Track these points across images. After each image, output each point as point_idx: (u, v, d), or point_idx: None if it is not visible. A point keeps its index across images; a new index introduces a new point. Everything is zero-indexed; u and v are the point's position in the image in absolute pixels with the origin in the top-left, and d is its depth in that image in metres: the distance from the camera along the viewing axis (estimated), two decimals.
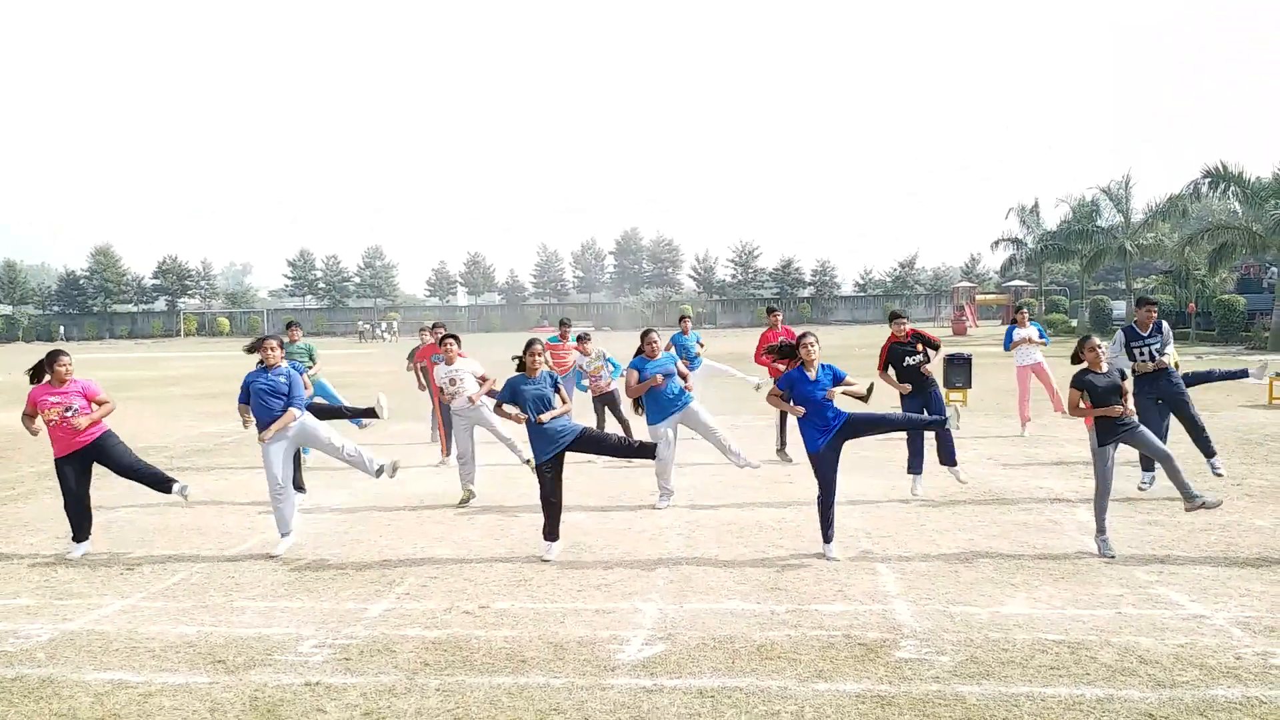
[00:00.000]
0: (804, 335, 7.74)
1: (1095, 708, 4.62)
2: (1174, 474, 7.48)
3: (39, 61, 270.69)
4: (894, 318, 9.74)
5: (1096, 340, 7.51)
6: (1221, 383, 10.26)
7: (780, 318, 12.42)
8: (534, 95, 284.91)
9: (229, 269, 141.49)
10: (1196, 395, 9.71)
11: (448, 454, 12.22)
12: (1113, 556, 7.16)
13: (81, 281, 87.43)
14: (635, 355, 9.33)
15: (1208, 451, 9.43)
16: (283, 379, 7.91)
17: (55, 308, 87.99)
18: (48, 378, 7.88)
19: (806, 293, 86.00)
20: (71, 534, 8.01)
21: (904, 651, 5.40)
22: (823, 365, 7.61)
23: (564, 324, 14.28)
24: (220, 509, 9.81)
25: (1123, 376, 7.53)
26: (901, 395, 9.49)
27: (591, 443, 7.83)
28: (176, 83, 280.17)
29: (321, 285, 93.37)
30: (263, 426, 7.85)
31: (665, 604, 6.34)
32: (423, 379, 12.86)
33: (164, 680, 5.23)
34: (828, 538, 7.41)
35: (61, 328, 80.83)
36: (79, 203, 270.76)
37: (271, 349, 7.99)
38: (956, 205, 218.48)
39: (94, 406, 7.94)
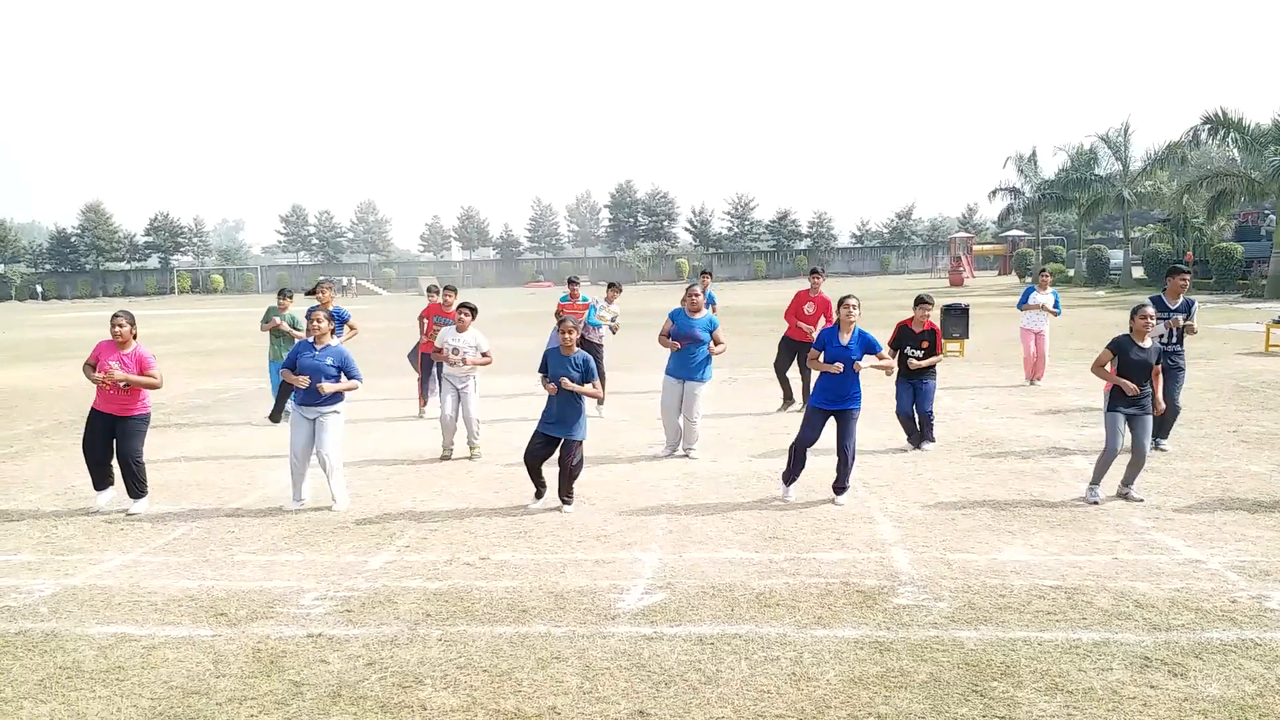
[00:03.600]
0: (845, 298, 7.65)
1: (1092, 651, 4.66)
2: (1135, 467, 7.37)
3: (23, 15, 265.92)
4: (920, 303, 9.51)
5: (1150, 310, 7.38)
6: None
7: (822, 280, 11.94)
8: (528, 52, 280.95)
9: (221, 225, 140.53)
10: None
11: (425, 405, 12.24)
12: (1096, 503, 7.25)
13: (73, 239, 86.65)
14: (679, 306, 9.39)
15: (1163, 431, 9.23)
16: (330, 361, 7.73)
17: (47, 266, 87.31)
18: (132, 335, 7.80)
19: (803, 245, 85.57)
20: (92, 483, 7.96)
21: (902, 598, 5.44)
22: (859, 331, 7.53)
23: (573, 282, 14.07)
24: (220, 464, 9.82)
25: (1157, 360, 7.40)
26: (899, 380, 9.47)
27: (563, 454, 7.53)
28: (164, 38, 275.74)
29: (315, 241, 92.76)
30: (308, 400, 7.72)
31: (664, 554, 6.37)
32: (422, 333, 12.78)
33: (167, 633, 5.26)
34: (787, 479, 7.56)
35: (38, 286, 79.92)
36: (67, 159, 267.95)
37: (319, 321, 7.82)
38: (952, 159, 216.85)
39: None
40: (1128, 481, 7.42)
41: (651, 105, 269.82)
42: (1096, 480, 7.40)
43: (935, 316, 10.40)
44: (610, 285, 12.78)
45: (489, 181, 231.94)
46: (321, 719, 4.24)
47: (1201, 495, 7.44)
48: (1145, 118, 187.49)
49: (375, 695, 4.44)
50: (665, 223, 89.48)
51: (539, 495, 7.71)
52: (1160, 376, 7.51)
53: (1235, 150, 38.14)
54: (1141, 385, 7.21)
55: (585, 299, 13.06)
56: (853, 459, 7.60)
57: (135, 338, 7.86)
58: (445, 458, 9.65)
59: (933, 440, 9.57)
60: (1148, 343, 7.31)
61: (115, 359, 7.67)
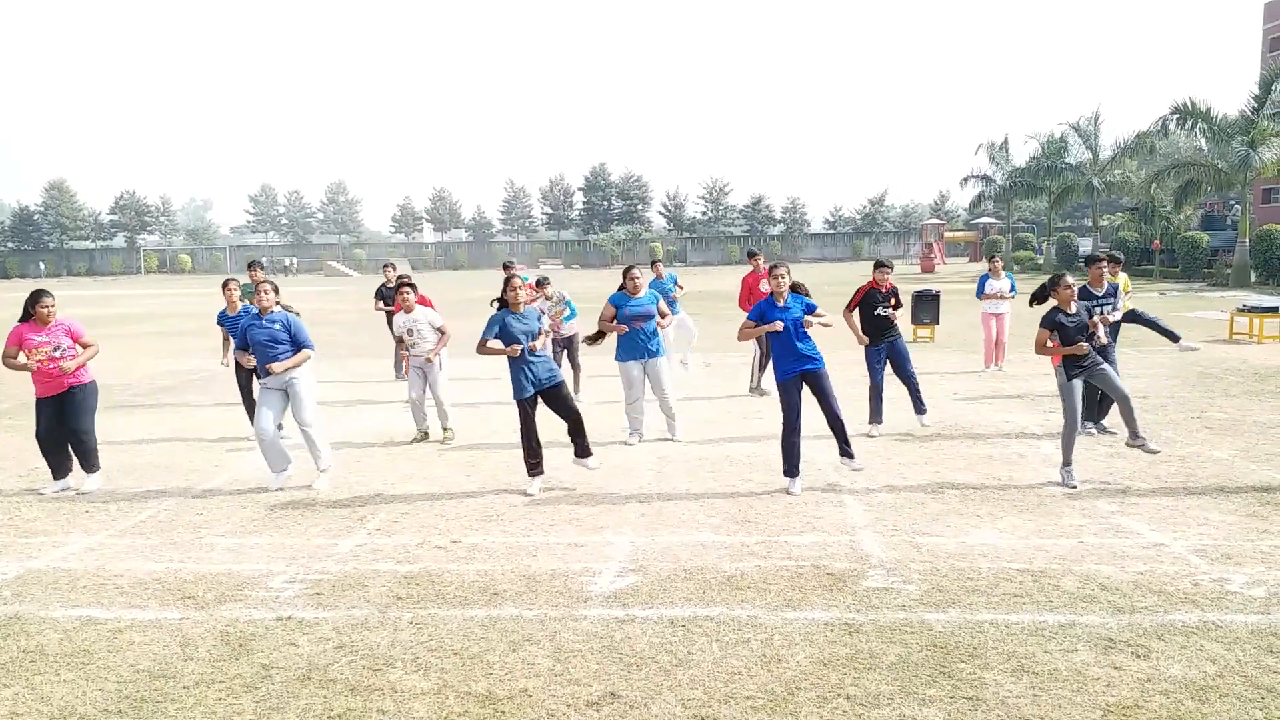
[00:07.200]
0: (774, 266, 7.71)
1: (1057, 633, 4.73)
2: (1128, 413, 7.52)
3: None
4: (879, 266, 9.95)
5: (1070, 280, 7.49)
6: (1159, 332, 9.71)
7: (761, 261, 12.31)
8: (501, 33, 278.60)
9: (189, 205, 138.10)
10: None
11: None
12: (1075, 487, 7.30)
13: (35, 217, 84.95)
14: (617, 290, 9.28)
15: (1102, 412, 9.30)
16: (278, 326, 7.75)
17: (9, 244, 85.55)
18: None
19: (776, 230, 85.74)
20: (51, 473, 7.88)
21: (871, 581, 5.49)
22: (794, 295, 7.63)
23: (507, 266, 13.74)
24: (187, 446, 9.71)
25: (1089, 314, 7.59)
26: (870, 350, 9.62)
27: (561, 401, 7.69)
28: (131, 13, 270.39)
29: (284, 221, 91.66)
30: (264, 371, 7.69)
31: (637, 537, 6.38)
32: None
33: (134, 616, 5.20)
34: (789, 472, 7.46)
35: (42, 264, 79.08)
36: (30, 135, 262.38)
37: (265, 293, 7.80)
38: (925, 146, 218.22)
39: (79, 349, 7.75)
40: (1133, 432, 7.57)
41: (626, 88, 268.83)
42: (1067, 461, 7.46)
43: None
44: (537, 283, 12.33)
45: (462, 163, 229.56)
46: (291, 702, 4.21)
47: (1165, 480, 7.56)
48: (1115, 107, 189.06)
49: (345, 678, 4.42)
50: (639, 206, 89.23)
51: (536, 472, 7.63)
52: (1100, 325, 7.71)
53: (1203, 140, 38.53)
54: (1084, 344, 7.36)
55: (525, 279, 12.77)
56: (843, 419, 7.63)
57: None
58: (420, 439, 9.60)
59: (925, 410, 9.82)
60: (1074, 308, 7.47)
61: (44, 336, 7.59)
